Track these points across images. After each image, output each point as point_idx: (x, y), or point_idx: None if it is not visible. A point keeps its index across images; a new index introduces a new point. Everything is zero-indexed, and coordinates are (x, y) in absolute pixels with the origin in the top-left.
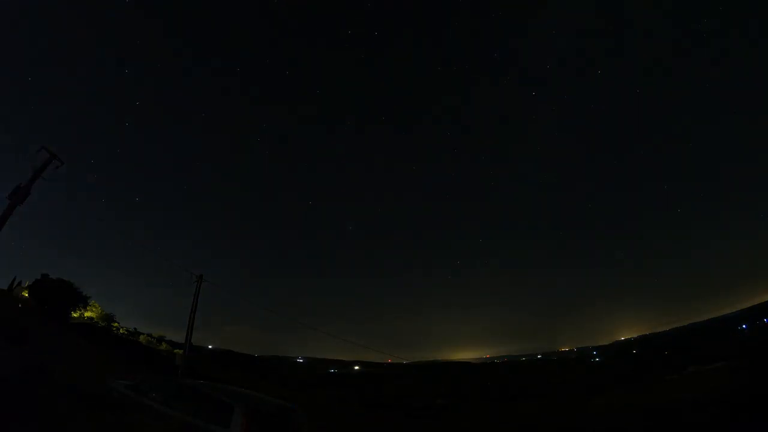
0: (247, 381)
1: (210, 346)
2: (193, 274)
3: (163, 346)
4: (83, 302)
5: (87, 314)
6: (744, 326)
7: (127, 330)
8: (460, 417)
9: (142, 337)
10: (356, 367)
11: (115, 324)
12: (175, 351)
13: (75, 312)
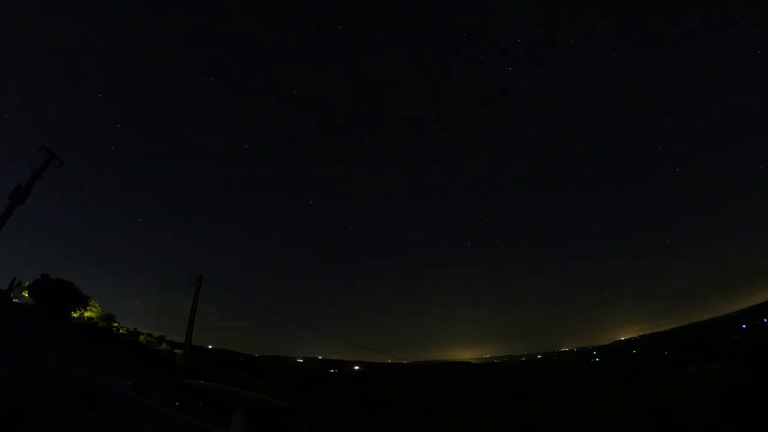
0: (247, 381)
1: (210, 346)
2: (193, 275)
3: (163, 346)
4: (83, 302)
5: (87, 314)
6: (744, 326)
7: (127, 330)
8: (460, 417)
9: (142, 337)
10: (356, 367)
11: (115, 324)
12: (175, 351)
13: (75, 312)
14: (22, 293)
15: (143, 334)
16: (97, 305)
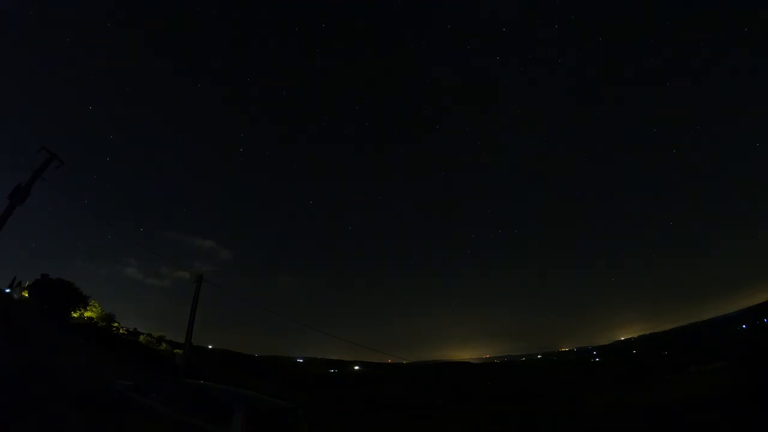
0: (247, 381)
1: (210, 346)
2: (193, 275)
3: (163, 346)
4: (83, 302)
5: (87, 314)
6: (744, 326)
7: (127, 330)
8: (460, 417)
9: (142, 337)
10: (356, 367)
11: (115, 324)
12: (175, 351)
13: (75, 312)
14: (22, 293)
15: (143, 334)
16: (97, 305)
